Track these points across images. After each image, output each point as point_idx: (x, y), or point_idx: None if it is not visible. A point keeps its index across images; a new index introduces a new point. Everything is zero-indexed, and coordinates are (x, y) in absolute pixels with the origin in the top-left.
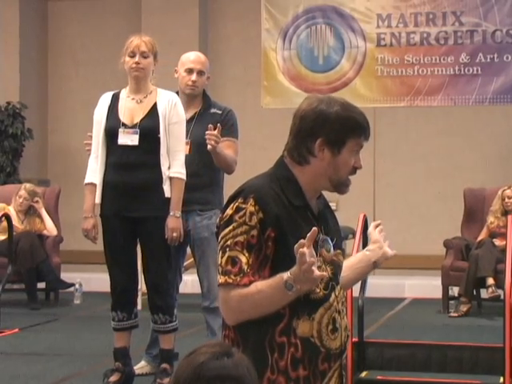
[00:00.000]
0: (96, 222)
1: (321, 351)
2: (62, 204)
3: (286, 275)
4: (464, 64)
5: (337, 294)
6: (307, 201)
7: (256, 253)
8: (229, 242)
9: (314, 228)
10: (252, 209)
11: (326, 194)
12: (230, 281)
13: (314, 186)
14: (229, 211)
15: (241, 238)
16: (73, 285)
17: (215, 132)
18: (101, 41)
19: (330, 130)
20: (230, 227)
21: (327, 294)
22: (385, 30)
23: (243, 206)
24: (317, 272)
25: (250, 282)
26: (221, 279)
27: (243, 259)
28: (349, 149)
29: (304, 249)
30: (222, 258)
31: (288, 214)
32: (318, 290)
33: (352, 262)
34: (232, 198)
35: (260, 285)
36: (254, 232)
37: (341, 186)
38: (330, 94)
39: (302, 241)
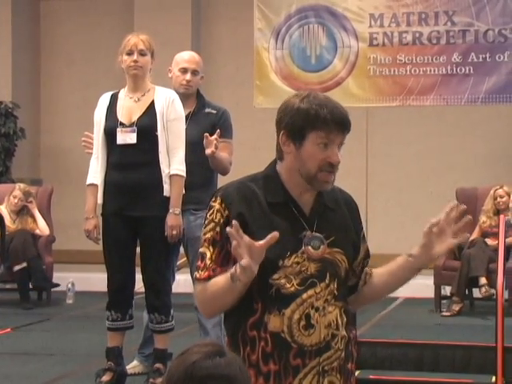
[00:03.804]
0: (97, 223)
1: (292, 347)
2: (54, 203)
3: (234, 267)
4: (456, 64)
5: (318, 291)
6: (292, 197)
7: (219, 248)
8: (202, 240)
9: (275, 232)
10: (218, 206)
11: None
12: (198, 275)
13: (294, 182)
14: (207, 211)
15: (208, 235)
16: (59, 285)
17: (214, 136)
18: (93, 40)
19: (289, 122)
20: (204, 226)
21: (301, 289)
22: (377, 30)
23: (213, 204)
24: (244, 261)
25: (209, 277)
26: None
27: (208, 255)
28: (312, 142)
29: (235, 242)
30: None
31: (260, 212)
32: (288, 285)
33: (392, 269)
34: (210, 199)
35: (218, 277)
36: (218, 228)
37: (313, 181)
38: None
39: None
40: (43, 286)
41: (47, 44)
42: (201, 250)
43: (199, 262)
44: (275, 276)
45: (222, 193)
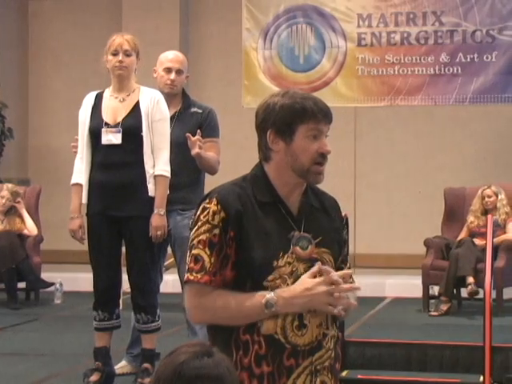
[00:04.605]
0: (82, 222)
1: (286, 347)
2: (42, 203)
3: (268, 294)
4: (444, 64)
5: None
6: (280, 197)
7: (217, 251)
8: (194, 241)
9: (318, 263)
10: (215, 208)
11: None
12: (192, 278)
13: (283, 181)
14: (197, 212)
15: (203, 237)
16: (53, 284)
17: (197, 137)
18: (81, 40)
19: (276, 119)
20: (196, 227)
21: None
22: (365, 30)
23: (208, 205)
24: (331, 309)
25: (211, 281)
26: (185, 277)
27: (205, 257)
28: (302, 135)
29: (342, 285)
30: (188, 256)
31: (253, 213)
32: (283, 286)
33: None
34: (201, 200)
35: (235, 295)
36: (216, 231)
37: (307, 175)
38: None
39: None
40: (38, 287)
41: (35, 43)
42: (194, 251)
43: (192, 264)
44: (270, 277)
45: (218, 194)
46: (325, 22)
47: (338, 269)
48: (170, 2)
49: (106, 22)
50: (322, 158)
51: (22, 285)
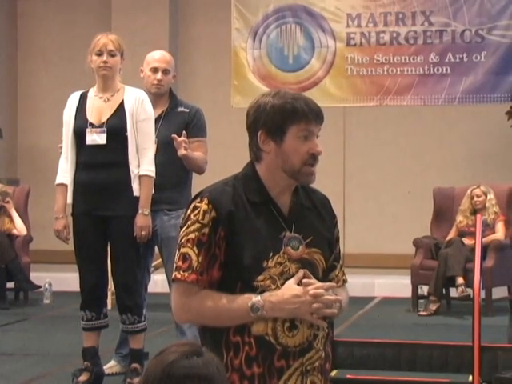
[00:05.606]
0: (67, 223)
1: (276, 349)
2: (31, 203)
3: (255, 298)
4: (433, 64)
5: None
6: (271, 197)
7: (205, 251)
8: (183, 240)
9: (302, 270)
10: (205, 207)
11: None
12: (179, 276)
13: (274, 182)
14: (187, 211)
15: (192, 236)
16: (40, 287)
17: (182, 138)
18: (71, 39)
19: (267, 120)
20: (186, 225)
21: None
22: (354, 30)
23: (198, 204)
24: (315, 319)
25: (198, 280)
26: (173, 275)
27: (193, 256)
28: (293, 136)
29: (323, 291)
30: (176, 255)
31: (244, 213)
32: (273, 287)
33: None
34: (192, 199)
35: (220, 296)
36: (206, 230)
37: (298, 176)
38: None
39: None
40: (25, 287)
41: (24, 43)
42: (182, 250)
43: (180, 263)
44: (260, 278)
45: (209, 194)
46: (314, 22)
47: (330, 267)
48: (159, 2)
49: (95, 22)
50: (312, 158)
51: (11, 285)
